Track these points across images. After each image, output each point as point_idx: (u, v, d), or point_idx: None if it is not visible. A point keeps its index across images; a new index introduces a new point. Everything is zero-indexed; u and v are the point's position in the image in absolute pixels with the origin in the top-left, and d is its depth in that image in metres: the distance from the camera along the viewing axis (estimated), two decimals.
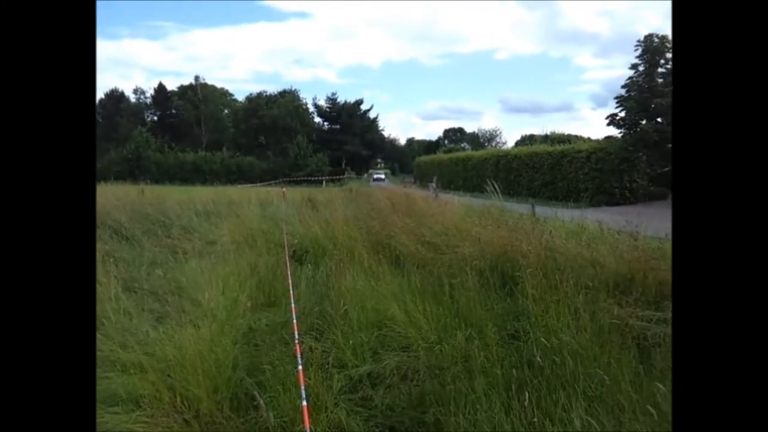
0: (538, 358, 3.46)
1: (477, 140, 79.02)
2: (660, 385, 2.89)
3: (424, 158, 48.93)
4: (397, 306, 4.84)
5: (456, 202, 13.24)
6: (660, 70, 22.07)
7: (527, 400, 2.98)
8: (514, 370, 3.40)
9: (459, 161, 35.90)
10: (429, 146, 76.05)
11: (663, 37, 22.01)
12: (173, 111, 63.85)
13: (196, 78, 66.25)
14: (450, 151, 53.60)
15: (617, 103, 22.96)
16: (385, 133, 73.35)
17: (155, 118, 65.53)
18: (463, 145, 73.24)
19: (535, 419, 2.87)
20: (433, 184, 20.76)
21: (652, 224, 8.07)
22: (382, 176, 53.97)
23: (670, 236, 7.80)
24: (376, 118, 64.29)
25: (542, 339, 3.71)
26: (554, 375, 3.30)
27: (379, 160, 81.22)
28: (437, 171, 36.05)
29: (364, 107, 62.10)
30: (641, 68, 22.40)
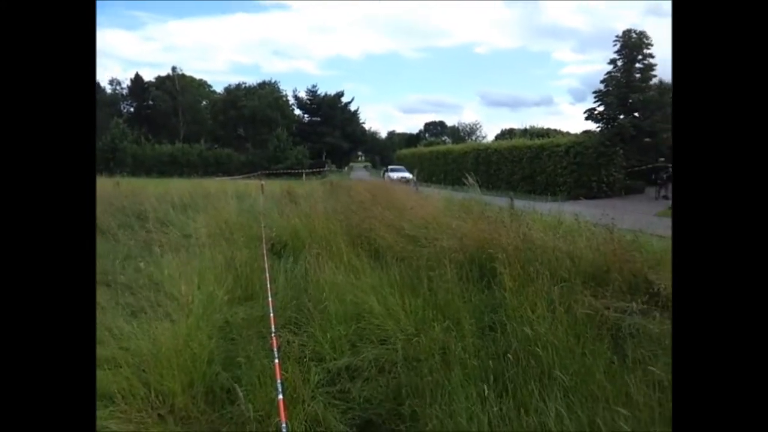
0: (514, 349, 3.49)
1: (457, 134, 79.35)
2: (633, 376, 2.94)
3: (405, 151, 49.03)
4: (375, 299, 4.83)
5: (436, 195, 13.30)
6: (637, 65, 22.44)
7: (503, 391, 3.00)
8: (490, 361, 3.43)
9: (439, 155, 36.03)
10: (410, 139, 76.11)
11: (641, 33, 22.38)
12: (150, 102, 62.62)
13: (174, 69, 65.09)
14: (431, 144, 53.80)
15: (595, 97, 23.36)
16: (366, 126, 73.16)
17: (132, 109, 64.23)
18: (443, 139, 73.58)
19: (511, 409, 2.90)
20: (414, 178, 20.86)
21: (628, 217, 8.22)
22: (405, 173, 32.54)
23: (644, 229, 7.96)
24: (356, 110, 64.17)
25: (518, 330, 3.74)
26: (530, 366, 3.33)
27: (359, 153, 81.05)
28: (418, 164, 36.14)
29: (344, 100, 61.85)
30: (619, 63, 22.75)
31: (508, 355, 3.52)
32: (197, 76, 70.18)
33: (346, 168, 58.97)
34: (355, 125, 63.65)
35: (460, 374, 3.29)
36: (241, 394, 3.42)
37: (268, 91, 58.93)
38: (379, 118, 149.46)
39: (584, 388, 3.11)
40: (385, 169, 39.21)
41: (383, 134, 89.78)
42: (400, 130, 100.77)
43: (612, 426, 2.77)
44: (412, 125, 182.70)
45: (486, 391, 2.99)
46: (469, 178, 11.28)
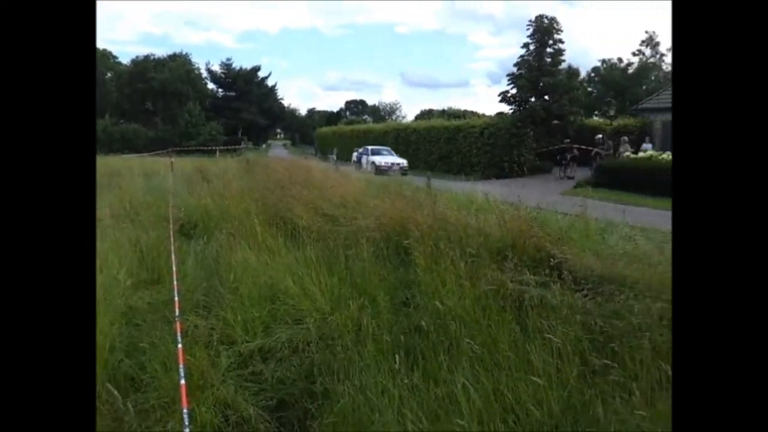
0: (424, 323, 3.59)
1: (378, 113, 79.57)
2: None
3: (326, 129, 48.37)
4: (291, 279, 4.77)
5: (357, 174, 13.29)
6: (548, 50, 23.52)
7: (414, 364, 3.09)
8: (402, 336, 3.51)
9: (360, 133, 35.98)
10: (330, 117, 75.09)
11: (552, 19, 23.42)
12: None
13: None
14: (351, 123, 53.53)
15: (509, 80, 24.22)
16: (285, 103, 71.26)
17: None
18: (364, 118, 73.45)
19: (421, 381, 2.99)
20: (334, 156, 20.87)
21: (534, 196, 8.71)
22: (395, 157, 24.57)
23: (549, 207, 8.48)
24: (274, 86, 62.21)
25: (429, 305, 3.86)
26: (439, 339, 3.45)
27: (278, 131, 79.00)
28: (338, 143, 35.88)
29: (261, 74, 59.64)
30: (531, 48, 23.71)
31: (422, 329, 3.62)
32: (102, 46, 64.35)
33: (263, 145, 57.23)
34: (272, 101, 61.76)
35: (372, 350, 3.34)
36: (118, 395, 3.24)
37: (179, 63, 55.32)
38: (299, 94, 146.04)
39: (490, 358, 3.28)
40: (359, 151, 26.07)
41: (303, 111, 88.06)
42: (320, 107, 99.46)
43: (515, 392, 2.95)
44: (333, 103, 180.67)
45: (397, 365, 3.06)
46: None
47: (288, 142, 74.48)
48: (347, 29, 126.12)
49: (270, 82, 61.21)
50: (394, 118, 75.56)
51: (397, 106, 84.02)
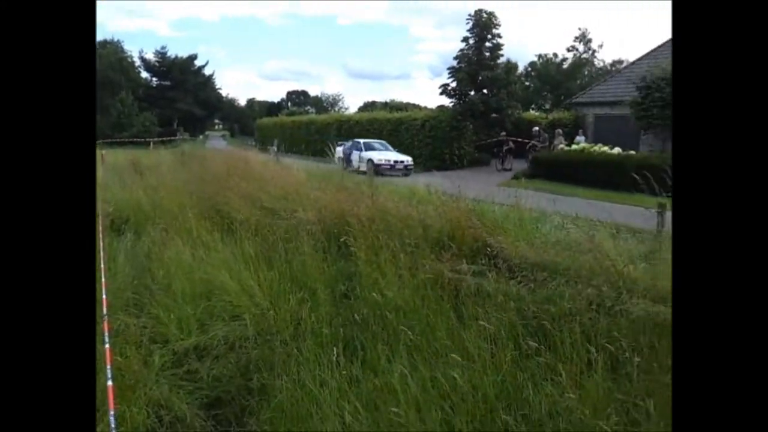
0: (363, 315, 3.61)
1: (320, 104, 78.66)
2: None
3: (266, 120, 47.23)
4: (228, 275, 4.65)
5: (298, 166, 13.09)
6: (487, 44, 24.02)
7: (353, 356, 3.10)
8: (341, 329, 3.51)
9: (302, 125, 35.43)
10: (271, 108, 73.41)
11: (490, 14, 23.90)
12: None
13: None
14: (293, 114, 52.57)
15: (449, 74, 24.56)
16: (223, 93, 69.02)
17: None
18: (306, 108, 72.37)
19: (360, 372, 3.00)
20: (274, 148, 20.26)
21: (473, 187, 8.92)
22: (394, 153, 21.21)
23: (486, 198, 8.71)
24: (212, 75, 60.13)
25: (369, 297, 3.88)
26: (379, 330, 3.48)
27: (217, 121, 76.48)
28: (279, 134, 35.19)
29: (198, 63, 57.48)
30: (471, 42, 24.13)
31: (361, 320, 3.63)
32: None
33: (201, 137, 55.19)
34: (210, 91, 59.66)
35: (312, 344, 3.32)
36: None
37: (110, 50, 52.11)
38: (238, 84, 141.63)
39: (428, 346, 3.35)
40: (347, 146, 21.27)
41: (242, 102, 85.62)
42: (260, 97, 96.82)
43: (451, 378, 3.02)
44: (274, 93, 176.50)
45: (336, 357, 3.06)
46: (331, 149, 11.30)
47: (227, 133, 72.15)
48: (288, 19, 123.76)
49: (207, 71, 59.15)
50: (336, 109, 74.93)
51: (340, 97, 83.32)
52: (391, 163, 18.87)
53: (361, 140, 21.56)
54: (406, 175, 17.40)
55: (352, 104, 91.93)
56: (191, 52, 70.38)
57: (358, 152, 20.18)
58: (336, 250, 5.41)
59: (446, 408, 2.76)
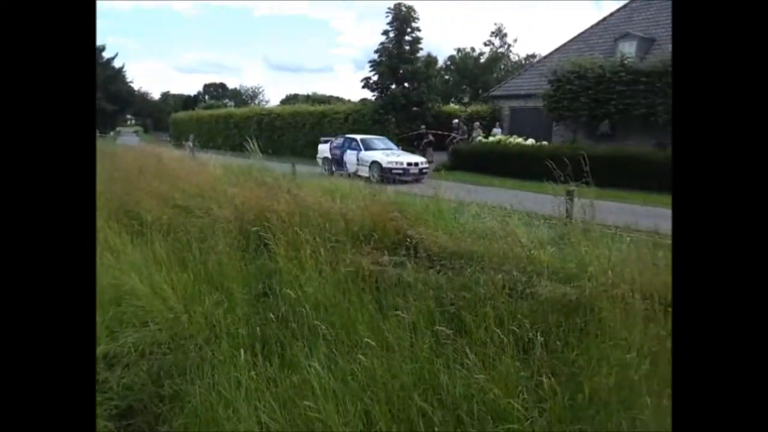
0: (282, 313, 3.56)
1: (240, 97, 76.11)
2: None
3: (182, 115, 45.01)
4: (138, 279, 4.40)
5: (215, 162, 12.59)
6: (407, 38, 24.32)
7: (270, 355, 3.05)
8: (258, 328, 3.44)
9: (220, 118, 34.17)
10: (187, 101, 69.94)
11: (409, 7, 24.21)
12: None
13: None
14: (210, 107, 50.48)
15: (371, 67, 24.67)
16: (135, 86, 65.07)
17: None
18: (225, 101, 69.78)
19: (278, 371, 2.96)
20: (190, 143, 19.35)
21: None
22: (397, 151, 17.02)
23: (407, 191, 8.89)
24: (122, 68, 56.75)
25: (288, 294, 3.82)
26: (298, 327, 3.45)
27: (129, 117, 72.03)
28: (196, 129, 33.71)
29: (106, 55, 53.82)
30: (391, 35, 24.34)
31: (280, 318, 3.58)
32: None
33: (111, 133, 51.66)
34: (120, 84, 56.09)
35: (227, 345, 3.23)
36: None
37: None
38: (152, 78, 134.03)
39: (348, 340, 3.36)
40: (335, 143, 17.68)
41: (156, 95, 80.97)
42: (175, 91, 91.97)
43: (371, 370, 3.05)
44: (190, 86, 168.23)
45: (251, 357, 2.99)
46: (250, 143, 10.94)
47: (140, 128, 68.10)
48: (203, 9, 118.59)
49: (117, 63, 55.60)
50: (257, 102, 72.88)
51: (260, 90, 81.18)
52: (404, 166, 15.04)
53: (357, 136, 17.68)
54: (416, 180, 14.50)
55: (273, 97, 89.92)
56: (99, 43, 65.43)
57: (355, 152, 16.36)
58: (254, 247, 5.28)
59: (365, 399, 2.79)
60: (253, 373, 2.92)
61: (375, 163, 15.37)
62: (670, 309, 3.36)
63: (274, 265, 4.66)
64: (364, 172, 14.95)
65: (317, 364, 2.88)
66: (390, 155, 15.77)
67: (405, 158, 15.62)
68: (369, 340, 3.25)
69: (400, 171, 14.74)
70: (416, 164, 15.31)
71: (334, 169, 15.99)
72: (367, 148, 16.39)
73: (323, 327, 3.34)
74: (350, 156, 16.45)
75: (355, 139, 17.08)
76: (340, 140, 17.65)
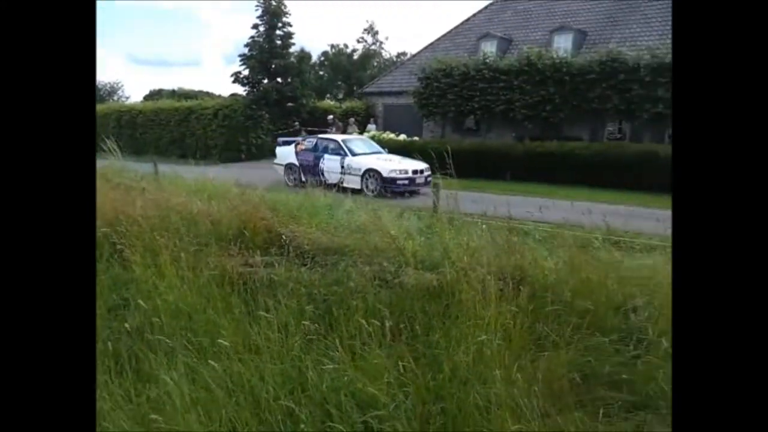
0: (137, 325, 3.31)
1: (97, 93, 68.92)
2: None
3: None
4: None
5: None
6: (278, 32, 23.80)
7: (124, 370, 2.82)
8: (110, 343, 3.16)
9: None
10: None
11: (279, 1, 23.69)
12: None
13: None
14: None
15: (241, 61, 23.80)
16: None
17: None
18: None
19: (133, 386, 2.75)
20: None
21: (270, 178, 8.85)
22: (419, 166, 12.15)
23: (284, 186, 8.73)
24: None
25: (145, 304, 3.56)
26: (155, 338, 3.22)
27: None
28: None
29: None
30: (261, 29, 23.66)
31: (134, 330, 3.32)
32: None
33: None
34: None
35: None
36: None
37: None
38: None
39: (212, 347, 3.21)
40: (306, 144, 13.84)
41: None
42: None
43: (238, 375, 2.95)
44: None
45: (102, 376, 2.74)
46: (108, 142, 9.91)
47: None
48: None
49: None
50: (116, 98, 66.59)
51: (119, 85, 74.18)
52: (410, 175, 11.97)
53: (338, 136, 14.31)
54: (414, 192, 12.01)
55: (135, 93, 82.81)
56: None
57: (338, 157, 12.78)
58: (107, 256, 4.83)
59: (231, 405, 2.70)
60: (105, 394, 2.67)
61: (372, 172, 12.09)
62: (520, 287, 3.71)
63: (130, 275, 4.30)
64: (354, 183, 11.78)
65: (176, 375, 2.71)
66: (388, 162, 12.43)
67: (408, 165, 12.27)
68: (233, 344, 3.14)
69: (406, 181, 11.87)
70: (421, 171, 12.10)
71: (304, 179, 11.96)
72: (354, 153, 12.88)
73: (184, 335, 3.16)
74: (330, 162, 12.83)
75: (335, 141, 13.48)
76: (310, 141, 13.91)
